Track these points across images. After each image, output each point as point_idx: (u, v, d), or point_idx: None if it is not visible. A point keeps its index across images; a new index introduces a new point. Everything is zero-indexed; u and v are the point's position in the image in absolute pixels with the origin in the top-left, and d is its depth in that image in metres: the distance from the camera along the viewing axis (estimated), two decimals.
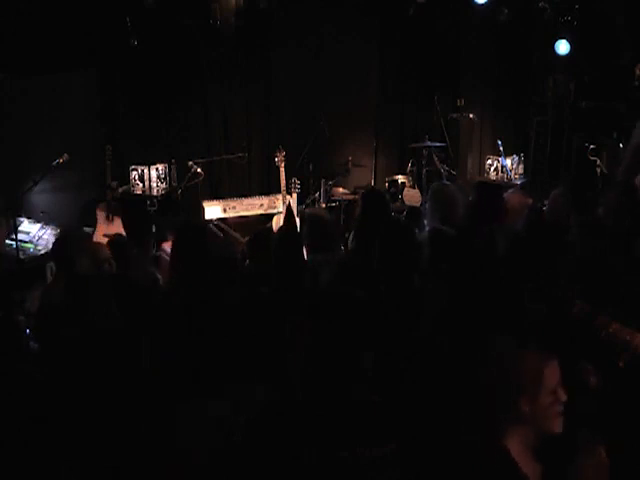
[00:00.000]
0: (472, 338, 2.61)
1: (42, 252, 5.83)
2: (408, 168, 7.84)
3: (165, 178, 7.08)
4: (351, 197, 7.24)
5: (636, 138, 3.88)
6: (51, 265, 5.10)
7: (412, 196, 7.46)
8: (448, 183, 5.40)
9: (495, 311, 2.88)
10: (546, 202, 4.75)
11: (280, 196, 6.75)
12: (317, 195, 7.37)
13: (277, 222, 6.26)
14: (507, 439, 2.03)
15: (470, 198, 4.37)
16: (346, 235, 5.67)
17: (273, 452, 2.15)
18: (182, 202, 6.84)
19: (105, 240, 4.16)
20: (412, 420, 2.32)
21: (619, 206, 3.65)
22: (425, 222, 4.64)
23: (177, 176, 7.11)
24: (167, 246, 4.20)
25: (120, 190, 6.71)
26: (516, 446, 2.04)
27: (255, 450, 2.20)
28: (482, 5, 7.88)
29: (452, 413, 2.35)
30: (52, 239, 5.63)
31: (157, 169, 7.01)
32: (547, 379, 2.02)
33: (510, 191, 4.84)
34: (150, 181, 6.94)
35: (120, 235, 4.28)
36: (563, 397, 2.03)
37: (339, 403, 2.19)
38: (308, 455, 2.11)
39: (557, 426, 2.04)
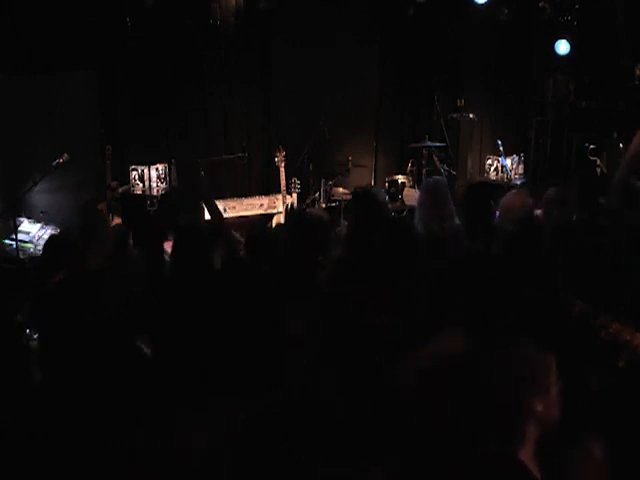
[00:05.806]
0: (472, 339, 2.61)
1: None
2: (408, 168, 7.85)
3: (165, 178, 7.08)
4: (351, 197, 7.23)
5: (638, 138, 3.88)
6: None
7: (412, 196, 7.45)
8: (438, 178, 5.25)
9: (494, 312, 2.88)
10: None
11: (280, 196, 6.74)
12: (317, 195, 7.37)
13: (277, 222, 6.25)
14: (523, 446, 2.03)
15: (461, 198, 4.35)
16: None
17: (273, 452, 2.15)
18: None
19: None
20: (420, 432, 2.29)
21: (619, 206, 3.65)
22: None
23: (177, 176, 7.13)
24: (167, 246, 4.19)
25: (120, 190, 6.70)
26: (529, 451, 2.03)
27: (255, 450, 2.19)
28: (482, 5, 7.89)
29: (462, 423, 2.33)
30: None
31: (157, 169, 7.01)
32: (554, 374, 2.07)
33: (512, 191, 4.82)
34: (150, 181, 6.95)
35: (120, 225, 4.27)
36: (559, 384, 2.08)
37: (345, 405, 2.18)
38: (308, 455, 2.11)
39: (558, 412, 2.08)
